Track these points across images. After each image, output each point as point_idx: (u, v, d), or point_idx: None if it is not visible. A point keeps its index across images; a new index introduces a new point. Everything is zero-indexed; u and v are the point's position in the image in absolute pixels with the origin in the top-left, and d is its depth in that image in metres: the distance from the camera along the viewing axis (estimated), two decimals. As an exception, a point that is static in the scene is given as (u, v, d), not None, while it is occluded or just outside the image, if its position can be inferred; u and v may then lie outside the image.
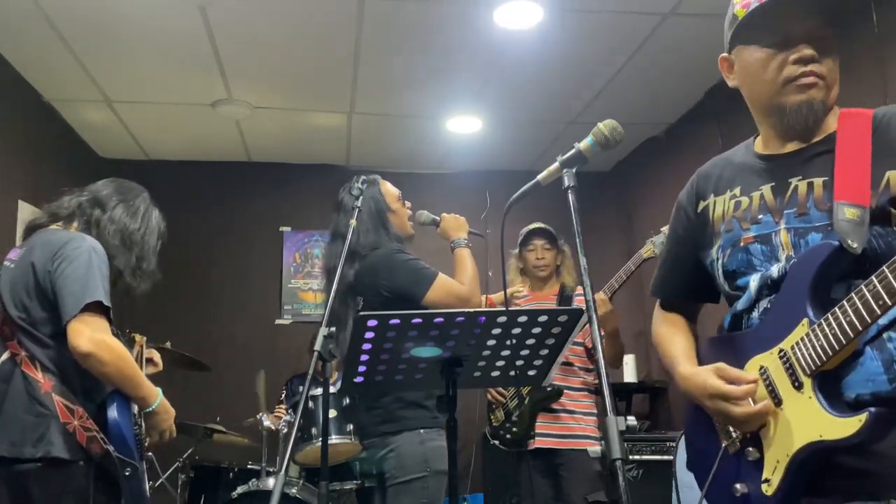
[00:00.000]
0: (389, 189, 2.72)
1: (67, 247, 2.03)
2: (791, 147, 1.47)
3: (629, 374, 4.81)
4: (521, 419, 3.28)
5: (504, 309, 1.64)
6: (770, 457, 1.34)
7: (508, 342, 1.68)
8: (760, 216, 1.45)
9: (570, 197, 1.43)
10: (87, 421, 1.98)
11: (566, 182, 1.46)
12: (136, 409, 2.14)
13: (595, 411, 3.36)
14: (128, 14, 3.52)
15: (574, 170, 1.47)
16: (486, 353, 1.71)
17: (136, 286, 2.23)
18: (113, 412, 2.03)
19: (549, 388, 3.25)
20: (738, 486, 1.39)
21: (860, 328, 1.20)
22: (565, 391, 3.27)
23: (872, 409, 1.18)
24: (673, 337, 1.67)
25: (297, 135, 5.11)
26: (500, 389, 3.42)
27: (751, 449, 1.38)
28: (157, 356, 2.51)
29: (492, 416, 3.47)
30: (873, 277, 1.17)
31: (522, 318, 1.63)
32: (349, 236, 2.23)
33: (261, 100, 4.51)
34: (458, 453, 1.80)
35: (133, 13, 3.51)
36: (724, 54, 1.55)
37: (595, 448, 3.19)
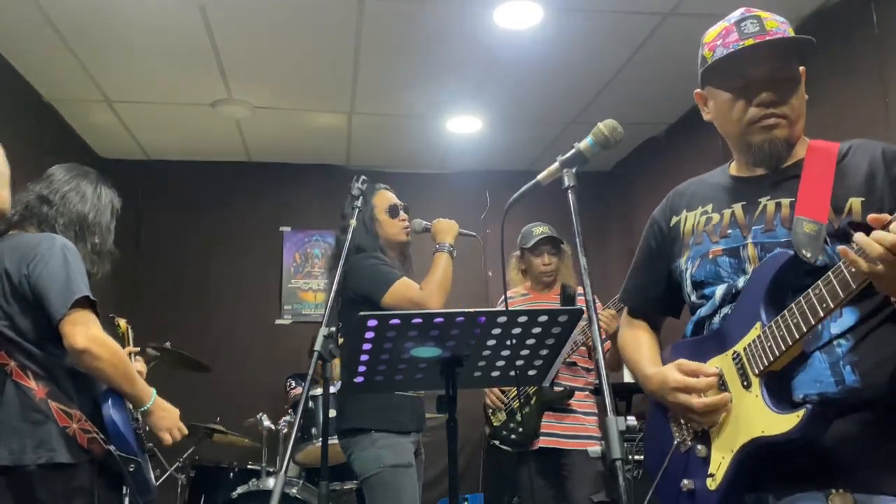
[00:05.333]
0: (382, 198, 2.81)
1: (40, 247, 2.01)
2: (762, 171, 1.56)
3: (629, 374, 4.81)
4: (528, 419, 3.27)
5: (504, 309, 1.64)
6: (716, 453, 1.42)
7: (508, 342, 1.68)
8: (730, 231, 1.54)
9: (570, 197, 1.44)
10: (85, 423, 1.98)
11: (566, 182, 1.46)
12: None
13: (597, 411, 3.35)
14: (128, 14, 3.52)
15: (574, 170, 1.47)
16: (487, 353, 1.71)
17: (95, 272, 2.20)
18: (109, 410, 2.03)
19: (561, 389, 3.24)
20: (685, 481, 1.46)
21: (805, 329, 1.29)
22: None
23: (809, 406, 1.27)
24: (637, 342, 1.77)
25: (297, 135, 5.11)
26: (499, 393, 3.41)
27: (700, 447, 1.46)
28: (142, 366, 2.47)
29: (492, 418, 3.46)
30: (819, 282, 1.27)
31: (522, 319, 1.63)
32: (349, 236, 2.24)
33: (261, 100, 4.51)
34: (458, 453, 1.80)
35: (133, 13, 3.51)
36: (699, 90, 1.66)
37: (595, 448, 3.19)
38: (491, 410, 3.46)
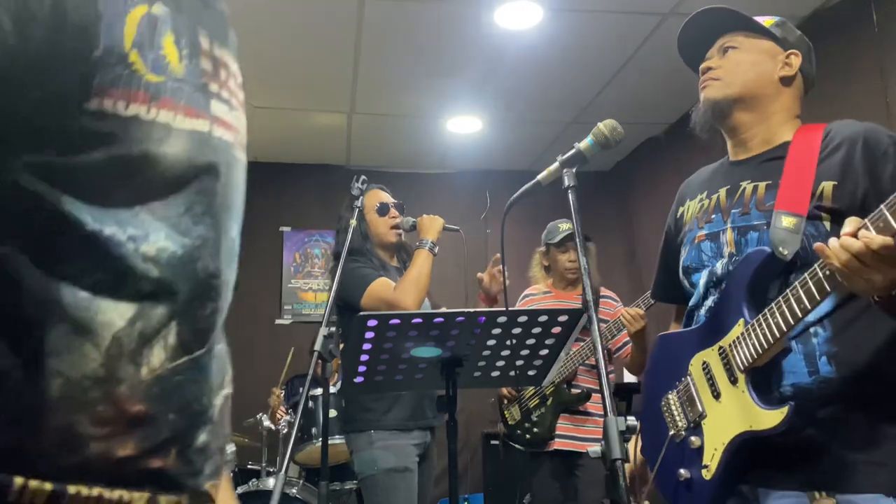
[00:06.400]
0: (372, 197, 2.78)
1: None
2: (749, 154, 1.59)
3: (628, 374, 4.81)
4: (543, 420, 3.24)
5: (504, 309, 1.64)
6: (709, 445, 1.46)
7: (508, 342, 1.68)
8: (713, 216, 1.58)
9: (571, 197, 1.44)
10: None
11: (566, 182, 1.46)
12: None
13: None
14: (128, 14, 3.52)
15: (574, 170, 1.47)
16: (486, 353, 1.71)
17: None
18: None
19: (578, 392, 3.22)
20: (682, 471, 1.50)
21: (785, 329, 1.31)
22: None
23: (793, 403, 1.30)
24: None
25: (297, 135, 5.11)
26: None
27: (693, 438, 1.49)
28: None
29: (506, 414, 3.41)
30: (797, 283, 1.30)
31: (522, 318, 1.63)
32: (348, 236, 2.25)
33: (261, 100, 4.51)
34: (458, 453, 1.80)
35: (133, 13, 3.51)
36: None
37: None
38: (505, 402, 3.42)
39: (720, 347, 1.45)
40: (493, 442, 4.90)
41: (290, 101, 4.57)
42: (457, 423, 1.77)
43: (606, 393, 1.22)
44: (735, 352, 1.41)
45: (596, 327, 1.29)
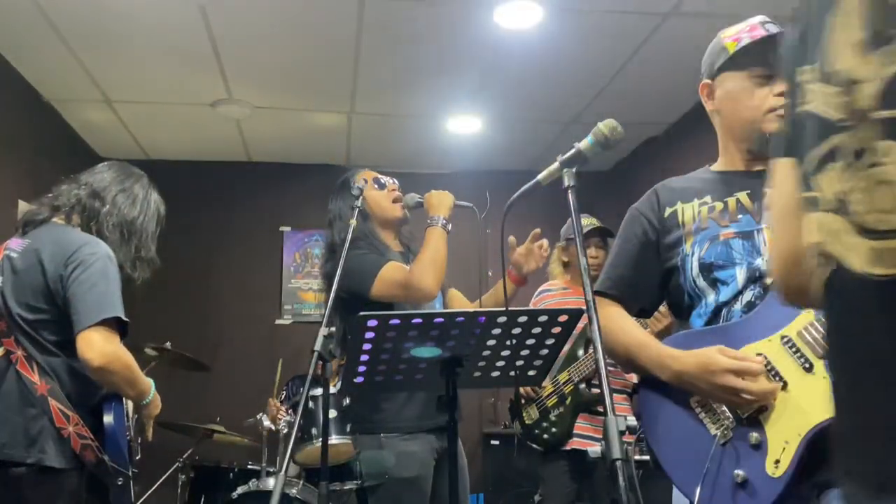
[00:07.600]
0: (366, 175, 2.58)
1: (82, 251, 1.97)
2: (760, 167, 1.60)
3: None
4: (562, 419, 3.21)
5: (504, 309, 1.64)
6: (776, 438, 1.39)
7: (508, 342, 1.68)
8: (739, 216, 1.60)
9: (570, 197, 1.43)
10: (81, 428, 1.94)
11: (566, 182, 1.46)
12: (129, 408, 2.14)
13: (630, 413, 3.31)
14: (128, 14, 3.52)
15: (574, 169, 1.47)
16: (487, 353, 1.71)
17: (136, 277, 2.17)
18: (110, 420, 2.00)
19: (597, 391, 3.18)
20: (738, 471, 1.41)
21: None
22: None
23: None
24: (625, 325, 1.70)
25: (297, 135, 5.12)
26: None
27: (754, 434, 1.42)
28: None
29: (524, 414, 3.37)
30: None
31: (523, 318, 1.63)
32: (349, 235, 2.17)
33: (261, 100, 4.51)
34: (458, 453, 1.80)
35: (133, 13, 3.51)
36: (706, 80, 1.73)
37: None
38: (523, 401, 3.37)
39: (783, 337, 1.43)
40: (493, 442, 4.90)
41: (290, 101, 4.56)
42: (457, 423, 1.77)
43: (606, 392, 1.22)
44: (809, 338, 1.39)
45: (596, 327, 1.29)
